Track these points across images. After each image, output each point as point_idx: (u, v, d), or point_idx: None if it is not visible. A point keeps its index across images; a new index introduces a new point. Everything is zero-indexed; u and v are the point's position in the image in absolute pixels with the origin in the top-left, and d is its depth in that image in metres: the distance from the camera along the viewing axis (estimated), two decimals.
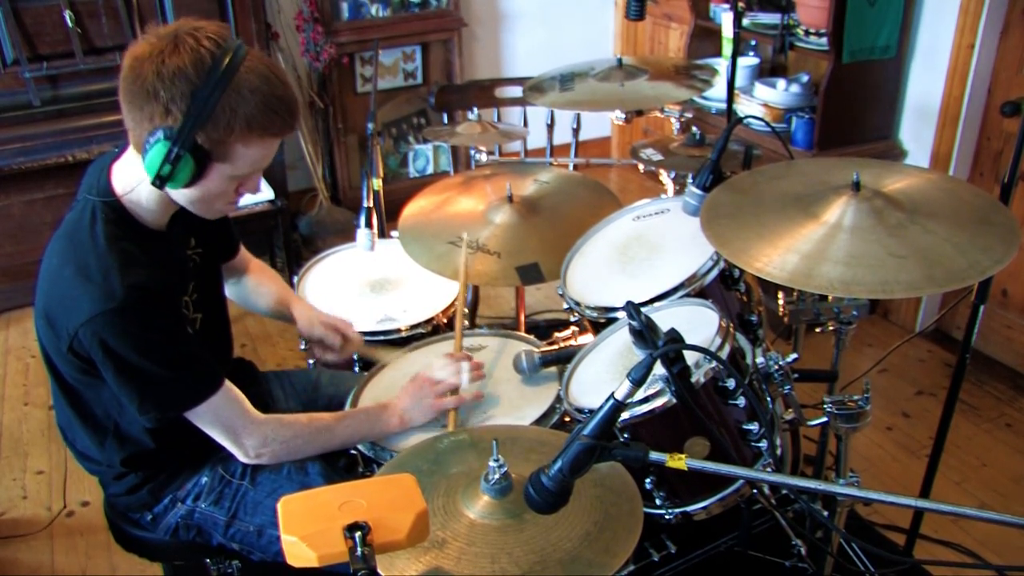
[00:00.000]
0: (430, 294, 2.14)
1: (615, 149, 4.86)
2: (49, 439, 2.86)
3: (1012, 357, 3.00)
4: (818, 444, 2.17)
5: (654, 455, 1.04)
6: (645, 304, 1.62)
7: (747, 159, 2.07)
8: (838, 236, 1.42)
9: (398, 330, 2.03)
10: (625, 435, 1.44)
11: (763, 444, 1.49)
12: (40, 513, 2.57)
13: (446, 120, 3.03)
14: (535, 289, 3.41)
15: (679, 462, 1.03)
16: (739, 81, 3.11)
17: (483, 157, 2.60)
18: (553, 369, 1.76)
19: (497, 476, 1.21)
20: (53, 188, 3.38)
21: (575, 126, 2.85)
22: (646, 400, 1.40)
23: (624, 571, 1.22)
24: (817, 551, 1.85)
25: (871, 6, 2.83)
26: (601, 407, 1.05)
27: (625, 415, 1.37)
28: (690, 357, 1.31)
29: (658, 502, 1.53)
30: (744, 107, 3.26)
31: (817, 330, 1.87)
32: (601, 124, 4.71)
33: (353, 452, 1.67)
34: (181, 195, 1.42)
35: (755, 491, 1.55)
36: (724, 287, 1.71)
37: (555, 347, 1.78)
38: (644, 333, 1.17)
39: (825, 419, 1.59)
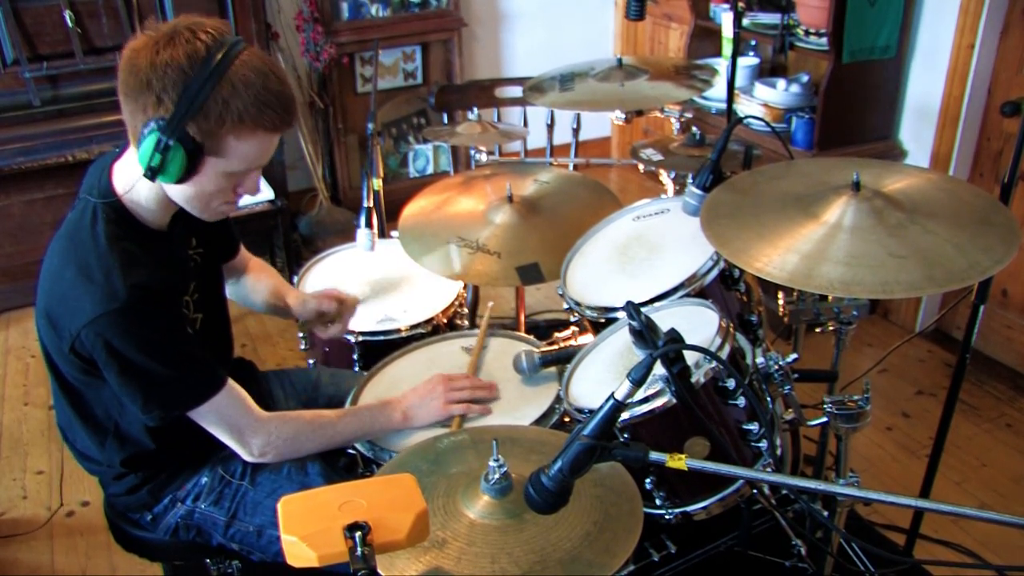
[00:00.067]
0: (430, 294, 2.13)
1: (615, 149, 4.86)
2: (49, 439, 2.86)
3: (1012, 357, 3.00)
4: (818, 444, 2.17)
5: (654, 455, 1.05)
6: (645, 304, 1.62)
7: (747, 159, 2.07)
8: (838, 236, 1.42)
9: (398, 330, 2.02)
10: (625, 435, 1.44)
11: (763, 444, 1.49)
12: (40, 513, 2.57)
13: (446, 120, 3.03)
14: (535, 289, 3.41)
15: (679, 462, 1.03)
16: (739, 81, 3.11)
17: (483, 157, 2.60)
18: (553, 369, 1.76)
19: (497, 476, 1.21)
20: (53, 188, 3.38)
21: (575, 126, 2.85)
22: (646, 400, 1.40)
23: (624, 571, 1.22)
24: (817, 551, 1.85)
25: (871, 6, 2.83)
26: (601, 407, 1.05)
27: (625, 415, 1.37)
28: (690, 357, 1.31)
29: (658, 502, 1.53)
30: (744, 107, 3.26)
31: (817, 330, 1.87)
32: (601, 124, 4.71)
33: (352, 452, 1.67)
34: (178, 193, 1.41)
35: (755, 491, 1.55)
36: (724, 287, 1.71)
37: (555, 347, 1.77)
38: (644, 333, 1.17)
39: (825, 419, 1.58)
